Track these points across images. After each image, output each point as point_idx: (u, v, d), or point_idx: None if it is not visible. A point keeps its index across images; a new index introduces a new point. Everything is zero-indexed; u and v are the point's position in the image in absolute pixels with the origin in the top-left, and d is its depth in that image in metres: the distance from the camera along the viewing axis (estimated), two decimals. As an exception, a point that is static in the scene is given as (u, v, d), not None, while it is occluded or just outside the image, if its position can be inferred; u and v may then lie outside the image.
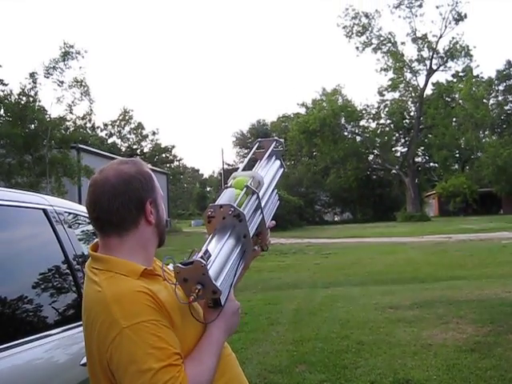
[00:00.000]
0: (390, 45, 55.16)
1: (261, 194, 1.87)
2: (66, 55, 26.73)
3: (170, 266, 1.70)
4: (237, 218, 1.68)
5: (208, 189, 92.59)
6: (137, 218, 1.70)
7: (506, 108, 61.76)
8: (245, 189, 1.79)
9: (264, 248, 1.97)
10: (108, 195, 1.67)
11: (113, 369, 1.49)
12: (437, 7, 65.29)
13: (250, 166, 2.04)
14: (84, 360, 2.57)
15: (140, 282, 1.57)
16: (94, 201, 1.70)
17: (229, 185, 1.84)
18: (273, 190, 2.04)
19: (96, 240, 1.81)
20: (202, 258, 1.51)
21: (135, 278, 1.59)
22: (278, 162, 2.14)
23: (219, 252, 1.61)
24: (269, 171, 2.05)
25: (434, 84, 57.59)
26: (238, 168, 2.01)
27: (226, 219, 1.68)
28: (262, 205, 1.87)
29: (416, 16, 55.02)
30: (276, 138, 2.18)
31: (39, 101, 27.09)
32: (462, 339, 7.05)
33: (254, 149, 2.12)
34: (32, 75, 26.35)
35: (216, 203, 1.72)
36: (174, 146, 72.04)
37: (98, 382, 1.59)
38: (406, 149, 60.08)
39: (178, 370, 1.46)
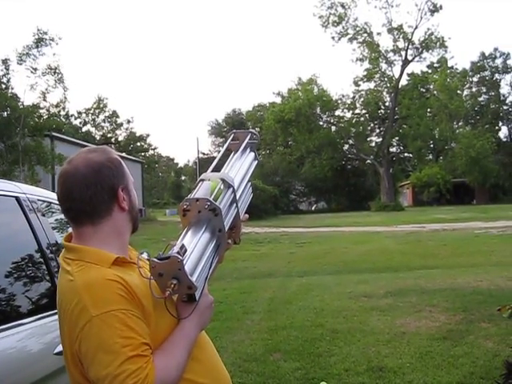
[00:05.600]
0: (365, 35, 55.31)
1: (236, 187, 1.86)
2: (39, 42, 26.42)
3: (145, 255, 1.68)
4: (213, 212, 1.67)
5: (183, 178, 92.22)
6: (110, 206, 1.70)
7: (480, 99, 62.49)
8: (221, 182, 1.78)
9: (236, 241, 1.95)
10: (79, 185, 1.66)
11: (81, 357, 1.49)
12: (412, -2, 65.56)
13: (225, 157, 2.03)
14: (58, 349, 2.56)
15: (112, 271, 1.57)
16: (65, 192, 1.69)
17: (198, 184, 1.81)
18: (247, 183, 2.03)
19: (70, 231, 1.79)
20: (178, 253, 1.51)
21: (107, 267, 1.58)
22: (252, 154, 2.13)
23: (195, 247, 1.60)
24: (243, 163, 2.04)
25: (409, 75, 57.98)
26: (214, 157, 2.01)
27: (202, 213, 1.67)
28: (237, 198, 1.86)
29: (392, 6, 55.37)
30: (251, 130, 2.17)
31: (12, 88, 26.80)
32: (434, 327, 7.13)
33: (229, 140, 2.10)
34: (4, 62, 26.04)
35: (192, 196, 1.70)
36: (148, 135, 71.65)
37: (69, 369, 1.60)
38: (380, 139, 60.39)
39: (146, 361, 1.46)
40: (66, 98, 29.11)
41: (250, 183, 2.06)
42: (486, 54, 62.28)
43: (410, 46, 55.14)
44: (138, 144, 70.26)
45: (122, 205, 1.72)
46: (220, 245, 1.74)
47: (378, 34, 56.72)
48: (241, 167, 2.01)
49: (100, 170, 1.68)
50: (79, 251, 1.64)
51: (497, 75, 62.43)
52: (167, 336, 1.61)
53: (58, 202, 1.75)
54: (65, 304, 1.56)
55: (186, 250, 1.54)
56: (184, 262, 1.50)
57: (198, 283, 1.57)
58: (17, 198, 2.86)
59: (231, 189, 1.81)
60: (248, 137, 2.12)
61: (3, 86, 26.00)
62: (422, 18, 53.74)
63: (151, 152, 75.44)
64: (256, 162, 2.14)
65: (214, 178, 1.80)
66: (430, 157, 61.83)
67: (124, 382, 1.41)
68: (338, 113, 60.36)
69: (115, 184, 1.71)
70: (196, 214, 1.68)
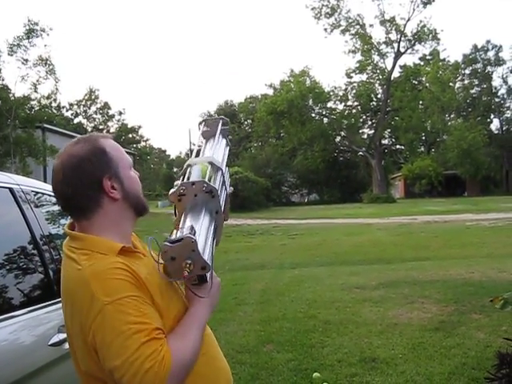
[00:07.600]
0: (358, 27, 55.18)
1: (224, 170, 1.87)
2: (30, 33, 26.27)
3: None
4: (209, 194, 1.67)
5: (175, 169, 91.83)
6: (98, 199, 1.67)
7: (472, 92, 62.61)
8: (210, 165, 1.78)
9: (226, 219, 1.94)
10: (61, 183, 1.66)
11: (97, 347, 1.48)
12: (405, -10, 65.56)
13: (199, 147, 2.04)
14: (52, 341, 2.55)
15: (118, 259, 1.56)
16: (53, 189, 1.70)
17: (187, 170, 1.80)
18: (226, 167, 2.03)
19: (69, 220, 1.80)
20: (190, 233, 1.51)
21: (113, 256, 1.58)
22: (224, 141, 2.11)
23: (201, 228, 1.60)
24: (219, 150, 2.02)
25: (401, 67, 57.85)
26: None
27: (198, 196, 1.67)
28: (225, 181, 1.87)
29: (385, -2, 55.11)
30: (222, 116, 2.15)
31: (3, 79, 26.68)
32: (426, 318, 7.15)
33: (202, 129, 2.08)
34: (-5, 53, 25.87)
35: (187, 181, 1.69)
36: (140, 127, 71.86)
37: (83, 359, 1.58)
38: (372, 131, 60.33)
39: (161, 344, 1.46)
40: (57, 89, 29.03)
41: (227, 168, 2.04)
42: (479, 47, 62.39)
43: (402, 38, 55.08)
44: (130, 135, 70.23)
45: (111, 195, 1.68)
46: (217, 227, 1.75)
47: (371, 25, 56.48)
48: (218, 153, 2.00)
49: (79, 165, 1.65)
50: (84, 240, 1.64)
51: (489, 68, 62.54)
52: (178, 321, 1.61)
53: (52, 194, 1.75)
54: (73, 294, 1.55)
55: (195, 232, 1.54)
56: (197, 241, 1.52)
57: (210, 263, 1.58)
58: (10, 189, 2.84)
59: (220, 171, 1.83)
60: (220, 124, 2.10)
61: (-6, 78, 25.87)
62: (414, 10, 53.67)
63: (143, 144, 75.59)
64: (228, 147, 2.12)
65: (202, 162, 1.80)
66: (422, 149, 62.01)
67: (141, 367, 1.41)
68: (330, 105, 60.24)
69: (98, 176, 1.67)
70: (192, 199, 1.67)
